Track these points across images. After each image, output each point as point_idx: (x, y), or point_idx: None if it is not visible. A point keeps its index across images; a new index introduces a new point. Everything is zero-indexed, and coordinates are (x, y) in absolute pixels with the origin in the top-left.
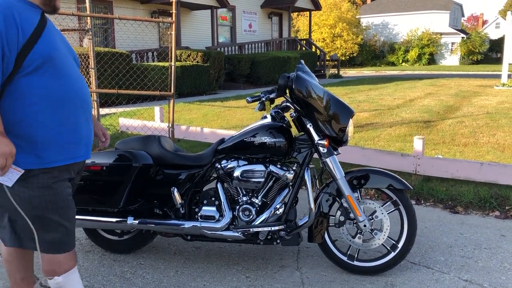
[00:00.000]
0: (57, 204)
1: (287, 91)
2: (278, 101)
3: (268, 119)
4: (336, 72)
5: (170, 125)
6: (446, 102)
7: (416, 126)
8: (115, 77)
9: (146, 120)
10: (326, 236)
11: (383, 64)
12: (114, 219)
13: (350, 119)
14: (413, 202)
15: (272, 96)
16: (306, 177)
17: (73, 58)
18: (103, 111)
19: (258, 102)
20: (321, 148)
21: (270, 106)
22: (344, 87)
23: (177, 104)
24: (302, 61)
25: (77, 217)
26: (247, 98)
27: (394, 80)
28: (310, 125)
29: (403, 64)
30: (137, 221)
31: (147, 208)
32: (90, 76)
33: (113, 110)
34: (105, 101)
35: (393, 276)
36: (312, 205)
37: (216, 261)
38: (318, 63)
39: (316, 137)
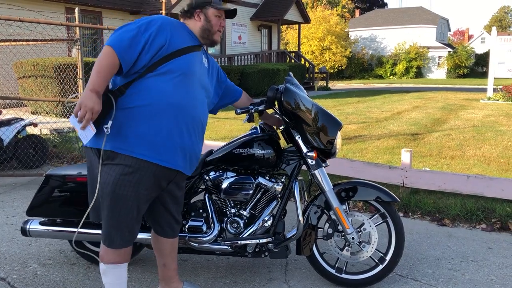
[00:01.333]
0: (120, 196)
1: (276, 103)
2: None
3: (257, 131)
4: (325, 84)
5: None
6: (433, 115)
7: (404, 139)
8: None
9: None
10: (314, 248)
11: (371, 77)
12: (100, 231)
13: (338, 132)
14: (400, 214)
15: (261, 108)
16: (294, 189)
17: (204, 90)
18: None
19: (246, 114)
20: (309, 160)
21: (259, 118)
22: (333, 99)
23: None
24: (291, 74)
25: (62, 229)
26: (236, 109)
27: (382, 93)
28: (299, 137)
29: (391, 77)
30: None
31: None
32: (78, 86)
33: None
34: None
35: None
36: (301, 217)
37: (204, 274)
38: (307, 75)
39: (304, 149)
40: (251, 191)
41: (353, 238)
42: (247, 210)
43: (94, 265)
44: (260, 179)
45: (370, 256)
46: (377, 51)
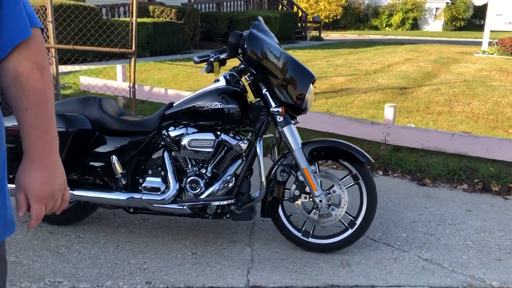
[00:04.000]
0: None
1: (240, 51)
2: (235, 62)
3: (222, 83)
4: (318, 34)
5: (131, 85)
6: (425, 69)
7: (392, 93)
8: (79, 32)
9: (109, 79)
10: (280, 210)
11: (367, 28)
12: None
13: (311, 85)
14: (380, 172)
15: (222, 56)
16: (258, 148)
17: None
18: (66, 68)
19: (205, 63)
20: (277, 117)
21: (220, 68)
22: (324, 50)
23: (147, 63)
24: (260, 18)
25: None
26: (194, 57)
27: (375, 44)
28: (266, 91)
29: (387, 28)
30: (73, 192)
31: (87, 178)
32: (47, 30)
33: (77, 67)
34: (68, 58)
35: (350, 254)
36: (263, 179)
37: (163, 235)
38: (299, 24)
39: (272, 104)
40: (212, 149)
41: (321, 201)
42: (209, 169)
43: (46, 223)
44: (223, 136)
45: (339, 220)
46: (373, 1)
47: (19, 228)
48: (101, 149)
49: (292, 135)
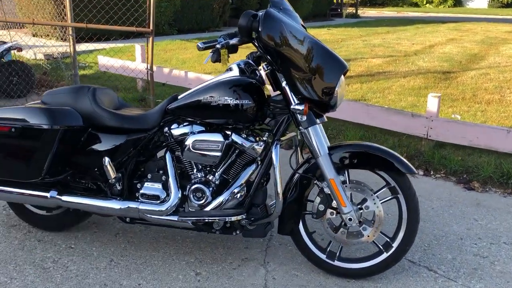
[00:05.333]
0: None
1: (255, 35)
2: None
3: (234, 72)
4: (354, 11)
5: (148, 67)
6: (470, 50)
7: (434, 78)
8: (102, 10)
9: (127, 60)
10: (301, 226)
11: (406, 4)
12: (31, 192)
13: (342, 77)
14: (420, 172)
15: (232, 42)
16: (274, 154)
17: None
18: (85, 47)
19: (211, 50)
20: (298, 116)
21: (229, 57)
22: (360, 28)
23: (173, 42)
24: None
25: None
26: (198, 43)
27: (415, 22)
28: (286, 84)
29: (427, 5)
30: (60, 197)
31: (77, 181)
32: (64, 7)
33: (102, 45)
34: (90, 36)
35: (383, 282)
36: (279, 190)
37: (164, 248)
38: (335, 0)
39: (293, 100)
40: (220, 154)
41: (350, 219)
42: (217, 175)
43: (36, 229)
44: (234, 137)
45: (372, 241)
46: None
47: (7, 233)
48: (93, 149)
49: (317, 138)
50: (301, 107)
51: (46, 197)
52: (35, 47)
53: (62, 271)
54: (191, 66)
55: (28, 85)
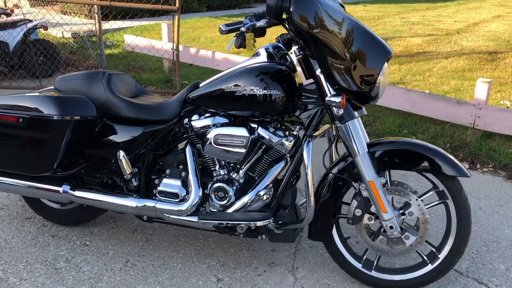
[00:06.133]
0: None
1: (286, 16)
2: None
3: (262, 58)
4: None
5: (174, 48)
6: None
7: (479, 59)
8: None
9: (153, 39)
10: (334, 231)
11: None
12: (42, 185)
13: (385, 64)
14: (466, 165)
15: (260, 24)
16: (305, 152)
17: None
18: (111, 25)
19: (234, 34)
20: (334, 109)
21: (255, 41)
22: (398, 4)
23: (202, 19)
24: None
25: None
26: (220, 26)
27: None
28: (321, 73)
29: None
30: (73, 192)
31: (91, 175)
32: None
33: (128, 23)
34: (115, 15)
35: None
36: (311, 194)
37: (184, 248)
38: None
39: (328, 91)
40: (245, 150)
41: (391, 227)
42: (241, 172)
43: (50, 224)
44: (261, 131)
45: (416, 251)
46: None
47: (20, 227)
48: (108, 141)
49: (355, 134)
50: (337, 100)
51: (58, 191)
52: (60, 26)
53: (74, 272)
54: (220, 45)
55: (54, 65)
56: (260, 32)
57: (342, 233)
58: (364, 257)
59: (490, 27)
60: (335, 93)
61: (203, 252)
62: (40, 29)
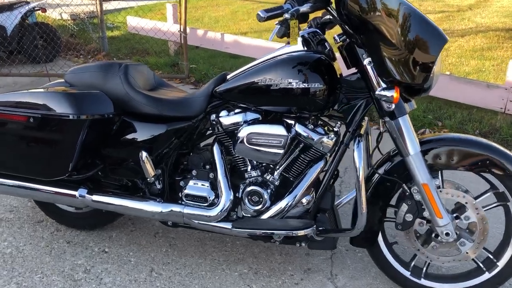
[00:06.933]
0: None
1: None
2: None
3: (297, 46)
4: None
5: (181, 30)
6: None
7: (496, 36)
8: None
9: (158, 21)
10: (380, 236)
11: None
12: (56, 189)
13: (440, 53)
14: None
15: (303, 9)
16: (356, 154)
17: None
18: (113, 6)
19: (277, 21)
20: (385, 104)
21: (299, 29)
22: None
23: None
24: None
25: (3, 181)
26: (259, 12)
27: None
28: (370, 63)
29: None
30: (91, 196)
31: (110, 177)
32: None
33: (130, 3)
34: None
35: None
36: (364, 201)
37: (212, 254)
38: None
39: (378, 84)
40: (283, 150)
41: (447, 234)
42: (276, 174)
43: (64, 227)
44: (299, 129)
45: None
46: None
47: (33, 232)
48: (127, 140)
49: (407, 132)
50: (390, 93)
51: (73, 196)
52: (59, 7)
53: (95, 284)
54: (225, 25)
55: (54, 49)
56: (302, 19)
57: (387, 238)
58: (412, 264)
59: (503, 2)
60: (385, 86)
61: (233, 257)
62: (38, 11)
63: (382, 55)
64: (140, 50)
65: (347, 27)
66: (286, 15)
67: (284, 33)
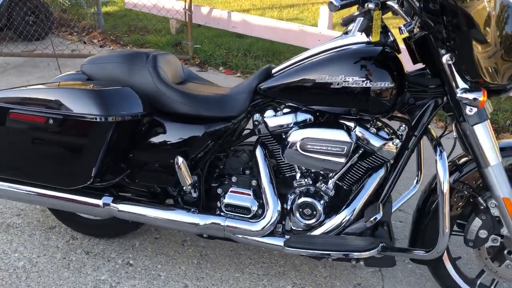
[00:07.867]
0: None
1: None
2: None
3: (357, 37)
4: None
5: (186, 8)
6: None
7: None
8: None
9: None
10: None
11: None
12: (77, 197)
13: None
14: None
15: None
16: (439, 162)
17: None
18: None
19: (359, 12)
20: (467, 108)
21: (382, 22)
22: None
23: None
24: None
25: (17, 187)
26: (332, 0)
27: None
28: (450, 59)
29: None
30: (116, 206)
31: (137, 184)
32: None
33: None
34: None
35: None
36: (446, 217)
37: (249, 267)
38: None
39: (461, 84)
40: (344, 160)
41: None
42: (330, 183)
43: (80, 234)
44: (360, 132)
45: None
46: None
47: (43, 242)
48: (158, 143)
49: (487, 138)
50: (474, 96)
51: (97, 205)
52: None
53: None
54: (225, 1)
55: (47, 26)
56: (383, 7)
57: (450, 253)
58: (478, 282)
59: None
60: (468, 87)
61: (273, 271)
62: None
63: (471, 52)
64: (138, 28)
65: (425, 16)
66: (370, 5)
67: (365, 27)
